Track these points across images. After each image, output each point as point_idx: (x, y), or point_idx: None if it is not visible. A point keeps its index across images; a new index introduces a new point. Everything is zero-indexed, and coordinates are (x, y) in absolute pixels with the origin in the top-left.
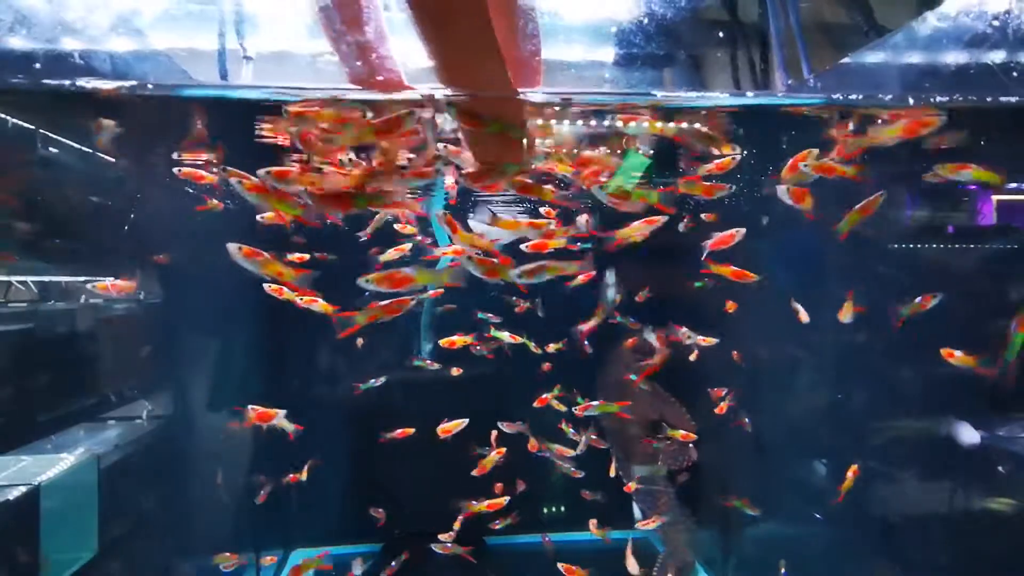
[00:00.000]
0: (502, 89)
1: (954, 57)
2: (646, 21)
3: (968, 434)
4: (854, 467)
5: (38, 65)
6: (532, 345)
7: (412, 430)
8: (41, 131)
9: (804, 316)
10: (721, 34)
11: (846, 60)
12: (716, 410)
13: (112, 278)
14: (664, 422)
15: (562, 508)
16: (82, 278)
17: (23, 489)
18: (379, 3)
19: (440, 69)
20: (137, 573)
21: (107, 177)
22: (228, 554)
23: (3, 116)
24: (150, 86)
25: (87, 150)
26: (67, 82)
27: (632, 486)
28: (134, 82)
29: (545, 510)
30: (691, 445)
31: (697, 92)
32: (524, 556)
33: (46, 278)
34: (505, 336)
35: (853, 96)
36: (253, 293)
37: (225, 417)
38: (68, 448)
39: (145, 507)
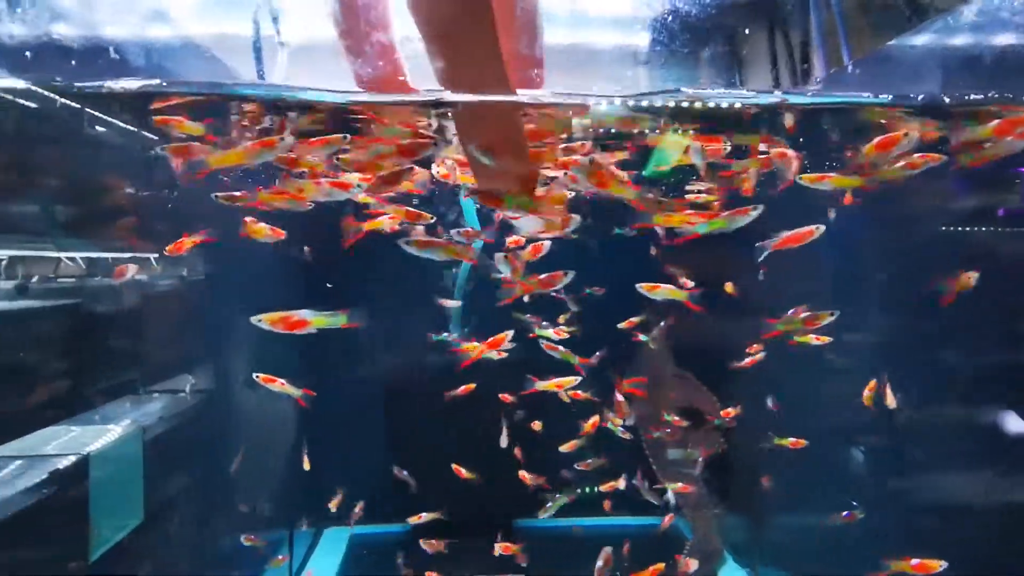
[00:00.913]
0: (503, 94)
1: (1010, 43)
2: (682, 7)
3: (1015, 423)
4: (872, 382)
5: (74, 62)
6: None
7: (473, 386)
8: (87, 110)
9: (892, 401)
10: (758, 20)
11: (889, 44)
12: (725, 412)
13: (157, 255)
14: (695, 409)
15: (595, 490)
16: (127, 255)
17: (73, 458)
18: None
19: (444, 79)
20: (180, 541)
21: (150, 157)
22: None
23: (52, 96)
24: (188, 84)
25: (132, 128)
26: (105, 83)
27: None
28: (177, 81)
29: (577, 493)
30: (721, 432)
31: (737, 88)
32: (553, 540)
33: (93, 254)
34: (550, 333)
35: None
36: (295, 271)
37: (262, 393)
38: (115, 420)
39: (187, 478)
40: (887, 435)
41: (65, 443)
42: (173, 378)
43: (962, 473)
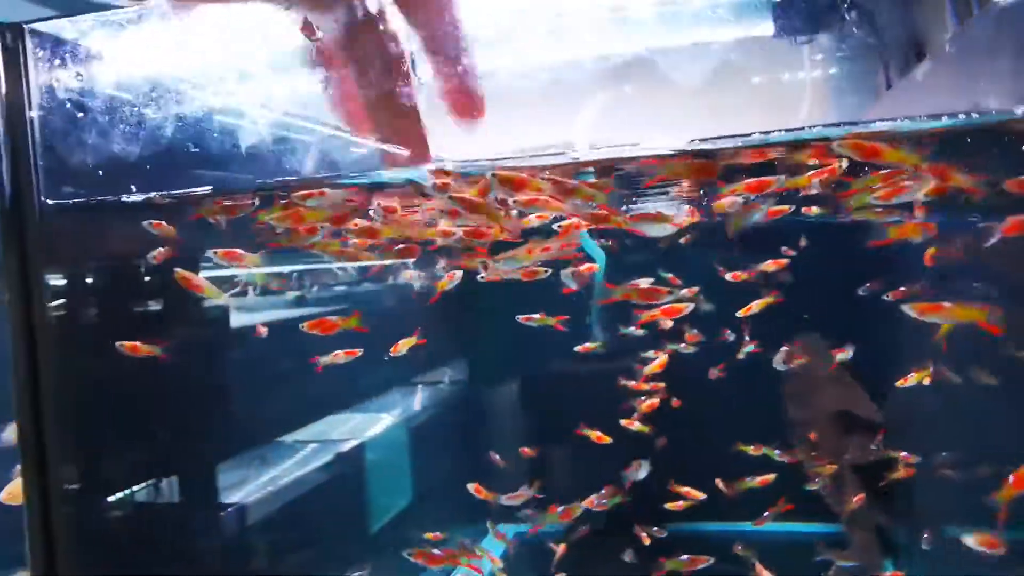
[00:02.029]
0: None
1: None
2: None
3: None
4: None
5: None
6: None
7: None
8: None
9: None
10: None
11: None
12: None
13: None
14: (851, 413)
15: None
16: (388, 262)
17: (354, 443)
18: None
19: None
20: (442, 521)
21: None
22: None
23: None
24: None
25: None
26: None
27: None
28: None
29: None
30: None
31: None
32: (705, 544)
33: (366, 263)
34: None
35: None
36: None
37: (496, 387)
38: (385, 409)
39: (445, 463)
40: None
41: (347, 430)
42: (433, 371)
43: None
